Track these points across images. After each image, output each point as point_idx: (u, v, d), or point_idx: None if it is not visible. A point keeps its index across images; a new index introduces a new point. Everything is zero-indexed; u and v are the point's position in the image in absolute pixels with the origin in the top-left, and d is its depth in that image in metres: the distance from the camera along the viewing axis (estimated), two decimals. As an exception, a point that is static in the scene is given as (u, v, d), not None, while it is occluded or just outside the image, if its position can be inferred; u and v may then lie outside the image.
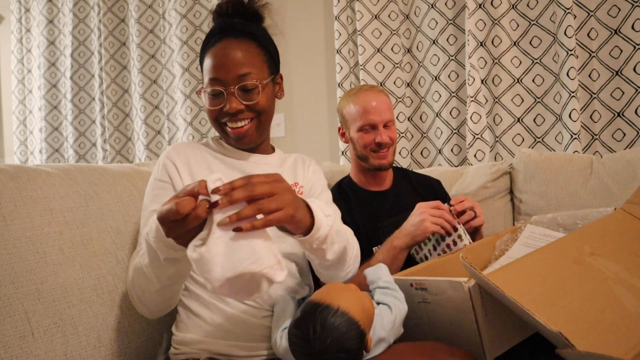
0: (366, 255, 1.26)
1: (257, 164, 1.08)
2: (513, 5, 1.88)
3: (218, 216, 0.66)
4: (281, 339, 0.90)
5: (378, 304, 0.92)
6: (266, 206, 0.69)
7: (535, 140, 1.87)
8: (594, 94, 1.75)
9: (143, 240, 0.87)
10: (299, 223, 0.76)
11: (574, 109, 1.70)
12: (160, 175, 1.04)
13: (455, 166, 1.95)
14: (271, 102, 1.06)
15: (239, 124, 1.02)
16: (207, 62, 1.02)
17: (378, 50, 2.08)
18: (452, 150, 1.97)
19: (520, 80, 1.88)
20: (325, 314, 0.80)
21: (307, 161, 1.18)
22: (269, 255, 0.67)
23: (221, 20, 1.06)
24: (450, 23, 1.96)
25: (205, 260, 0.65)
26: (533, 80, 1.86)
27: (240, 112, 1.00)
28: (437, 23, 1.97)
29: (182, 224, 0.65)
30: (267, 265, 0.66)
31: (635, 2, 1.66)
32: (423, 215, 1.18)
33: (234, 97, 0.99)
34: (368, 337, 0.83)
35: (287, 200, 0.72)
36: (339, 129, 1.47)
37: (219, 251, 0.65)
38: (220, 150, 1.09)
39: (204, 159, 1.06)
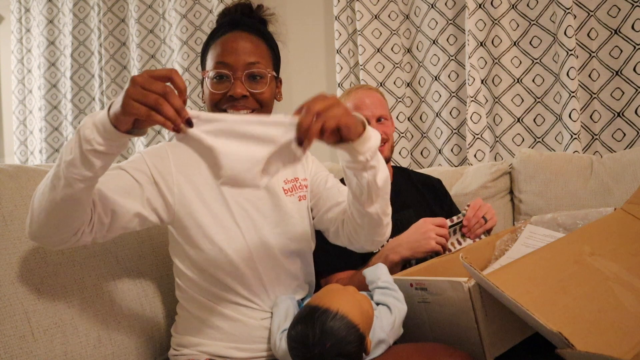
0: (366, 254, 1.26)
1: None
2: (513, 5, 1.88)
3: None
4: (280, 341, 0.89)
5: (377, 304, 0.92)
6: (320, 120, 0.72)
7: (535, 140, 1.87)
8: (594, 94, 1.75)
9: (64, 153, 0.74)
10: (353, 128, 0.76)
11: (574, 109, 1.70)
12: (139, 165, 0.94)
13: (455, 166, 1.95)
14: (272, 98, 1.05)
15: (240, 112, 0.99)
16: (215, 49, 1.00)
17: (378, 50, 2.08)
18: (452, 150, 1.97)
19: (520, 80, 1.88)
20: (324, 318, 0.80)
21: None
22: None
23: (230, 16, 1.05)
24: (450, 23, 1.96)
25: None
26: (533, 80, 1.86)
27: (244, 98, 0.98)
28: (437, 23, 1.97)
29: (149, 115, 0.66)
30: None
31: (635, 2, 1.66)
32: (430, 234, 1.15)
33: (240, 82, 0.97)
34: (367, 339, 0.83)
35: (340, 112, 0.73)
36: None
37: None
38: None
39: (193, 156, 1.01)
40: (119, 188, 0.88)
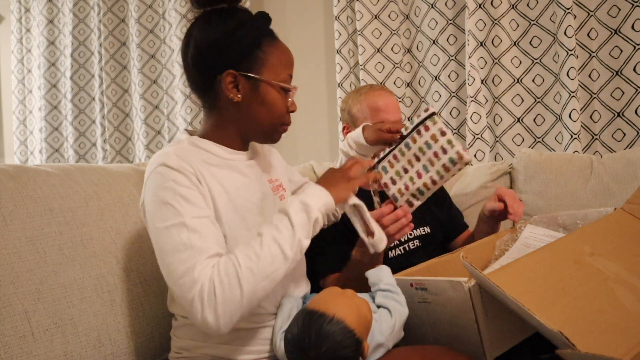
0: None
1: (248, 162, 1.05)
2: (513, 5, 1.88)
3: None
4: (281, 341, 0.89)
5: (379, 307, 0.92)
6: None
7: (535, 140, 1.87)
8: (594, 94, 1.75)
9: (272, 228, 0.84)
10: None
11: (574, 109, 1.70)
12: (184, 182, 0.88)
13: (455, 166, 1.94)
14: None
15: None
16: (286, 57, 0.96)
17: (378, 50, 2.08)
18: (452, 150, 1.97)
19: (520, 80, 1.88)
20: (320, 322, 0.80)
21: (275, 152, 1.15)
22: None
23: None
24: (450, 23, 1.96)
25: None
26: (533, 80, 1.86)
27: None
28: (437, 23, 1.97)
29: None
30: None
31: (635, 2, 1.66)
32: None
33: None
34: (365, 344, 0.82)
35: None
36: (344, 127, 1.44)
37: None
38: (214, 151, 0.99)
39: (203, 166, 0.94)
40: (218, 235, 0.88)
